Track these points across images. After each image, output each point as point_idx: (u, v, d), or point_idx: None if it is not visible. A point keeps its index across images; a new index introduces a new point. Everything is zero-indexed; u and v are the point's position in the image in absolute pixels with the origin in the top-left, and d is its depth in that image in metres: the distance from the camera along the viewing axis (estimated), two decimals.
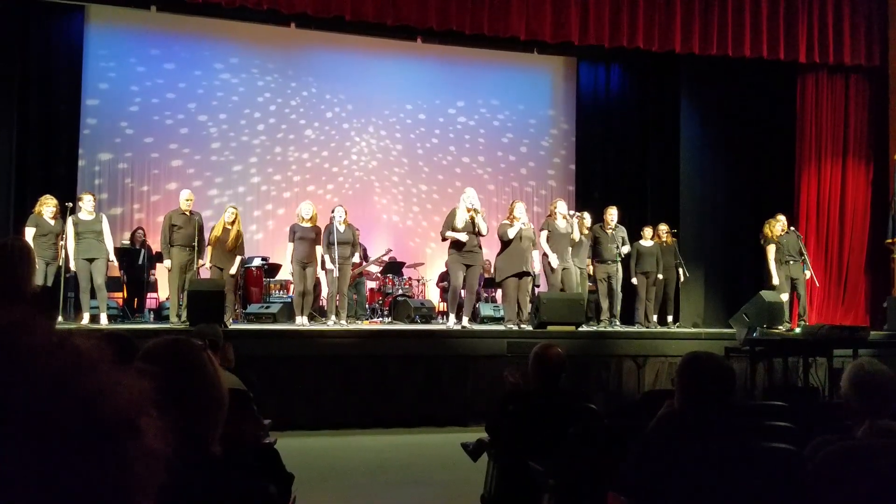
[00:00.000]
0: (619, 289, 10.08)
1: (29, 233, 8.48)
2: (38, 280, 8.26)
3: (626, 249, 10.12)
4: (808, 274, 10.33)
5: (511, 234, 9.01)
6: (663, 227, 10.69)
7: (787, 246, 10.21)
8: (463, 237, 8.75)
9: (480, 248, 9.09)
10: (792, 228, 10.42)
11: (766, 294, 9.39)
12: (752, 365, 8.24)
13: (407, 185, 13.64)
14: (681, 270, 10.64)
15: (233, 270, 9.36)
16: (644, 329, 9.97)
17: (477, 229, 8.87)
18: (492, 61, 13.49)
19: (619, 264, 10.07)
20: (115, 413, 0.65)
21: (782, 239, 10.20)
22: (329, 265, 9.10)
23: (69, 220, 8.60)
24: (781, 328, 9.24)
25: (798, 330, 9.46)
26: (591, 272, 10.32)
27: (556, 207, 9.64)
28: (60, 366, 0.64)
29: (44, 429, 0.61)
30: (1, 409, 0.60)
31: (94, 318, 8.63)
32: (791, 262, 10.22)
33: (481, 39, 11.47)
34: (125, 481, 0.64)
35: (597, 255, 10.24)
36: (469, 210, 8.89)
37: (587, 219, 10.25)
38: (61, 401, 0.63)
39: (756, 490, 2.49)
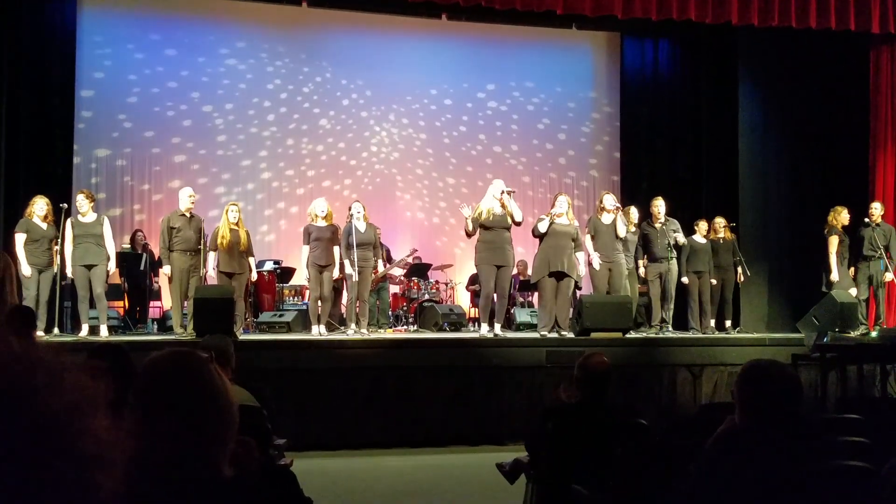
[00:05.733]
0: (673, 290, 10.00)
1: (20, 239, 8.58)
2: (31, 289, 8.41)
3: (681, 239, 9.99)
4: (888, 276, 10.16)
5: (541, 227, 8.99)
6: (720, 221, 10.59)
7: (872, 239, 10.06)
8: (466, 211, 8.81)
9: (512, 245, 9.04)
10: (881, 221, 10.25)
11: (837, 294, 9.27)
12: (823, 374, 8.14)
13: (432, 179, 13.66)
14: (740, 269, 10.53)
15: (254, 276, 9.58)
16: (700, 335, 9.88)
17: (511, 216, 8.85)
18: (525, 39, 13.46)
19: (674, 262, 9.98)
20: (45, 415, 0.65)
21: (867, 231, 10.08)
22: (348, 269, 9.12)
23: (67, 223, 8.71)
24: (856, 332, 9.11)
25: (875, 334, 9.33)
26: (643, 273, 10.26)
27: (602, 201, 9.61)
28: None
29: None
30: None
31: (94, 330, 8.75)
32: (873, 258, 10.09)
33: (513, 15, 11.45)
34: (52, 484, 0.64)
35: (647, 253, 10.17)
36: (497, 198, 8.87)
37: (634, 214, 10.17)
38: None
39: None
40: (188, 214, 9.08)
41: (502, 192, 8.91)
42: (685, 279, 10.24)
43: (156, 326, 10.76)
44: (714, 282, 10.36)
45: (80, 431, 0.67)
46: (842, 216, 10.17)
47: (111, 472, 0.68)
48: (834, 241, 10.12)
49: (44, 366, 0.68)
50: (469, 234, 9.07)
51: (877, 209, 10.29)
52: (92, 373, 0.71)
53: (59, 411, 0.66)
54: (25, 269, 8.48)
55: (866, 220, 10.22)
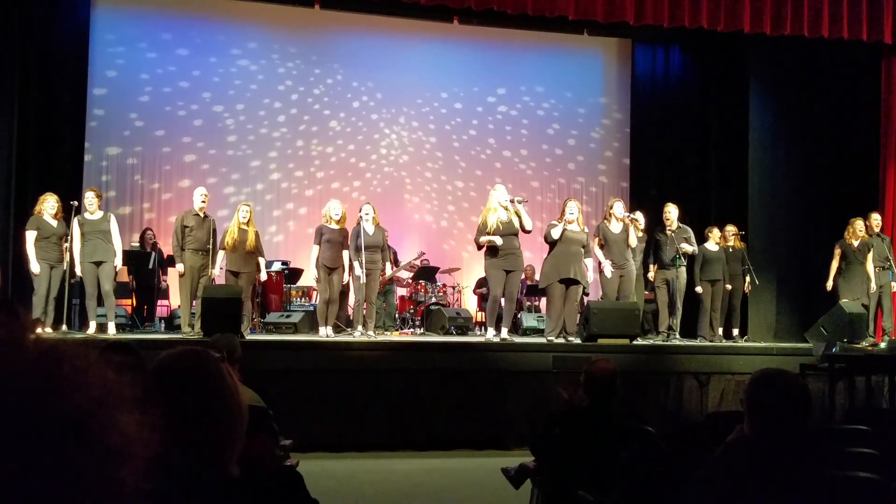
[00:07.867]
0: (681, 298, 9.97)
1: (30, 236, 8.64)
2: (42, 285, 8.48)
3: (689, 249, 9.95)
4: (895, 285, 10.15)
5: (555, 234, 8.96)
6: (730, 229, 10.58)
7: (877, 251, 10.08)
8: (498, 241, 8.68)
9: (521, 250, 9.02)
10: (879, 232, 10.26)
11: (846, 304, 9.25)
12: (831, 384, 8.12)
13: (441, 182, 13.66)
14: (749, 277, 10.50)
15: (263, 276, 9.58)
16: (707, 343, 9.86)
17: (521, 224, 8.81)
18: (536, 44, 13.46)
19: (682, 270, 9.95)
20: (72, 410, 0.65)
21: (871, 243, 10.08)
22: (357, 271, 9.13)
23: (74, 220, 8.75)
24: (864, 343, 9.09)
25: (883, 345, 9.30)
26: (652, 278, 10.25)
27: (612, 209, 9.59)
28: (8, 364, 0.65)
29: None
30: None
31: (102, 328, 8.77)
32: (880, 269, 10.08)
33: (525, 20, 11.44)
34: (78, 479, 0.65)
35: (657, 259, 10.15)
36: (503, 206, 8.81)
37: (640, 220, 10.16)
38: (6, 399, 0.63)
39: None
40: (202, 214, 9.11)
41: (511, 200, 8.88)
42: (699, 289, 10.20)
43: (163, 325, 10.79)
44: (730, 287, 10.34)
45: (106, 426, 0.67)
46: (854, 227, 10.15)
47: (135, 468, 0.69)
48: (836, 253, 10.17)
49: (70, 360, 0.68)
50: (480, 246, 9.01)
51: (877, 220, 10.31)
52: (117, 368, 0.72)
53: (85, 406, 0.66)
54: (35, 267, 8.55)
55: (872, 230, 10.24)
